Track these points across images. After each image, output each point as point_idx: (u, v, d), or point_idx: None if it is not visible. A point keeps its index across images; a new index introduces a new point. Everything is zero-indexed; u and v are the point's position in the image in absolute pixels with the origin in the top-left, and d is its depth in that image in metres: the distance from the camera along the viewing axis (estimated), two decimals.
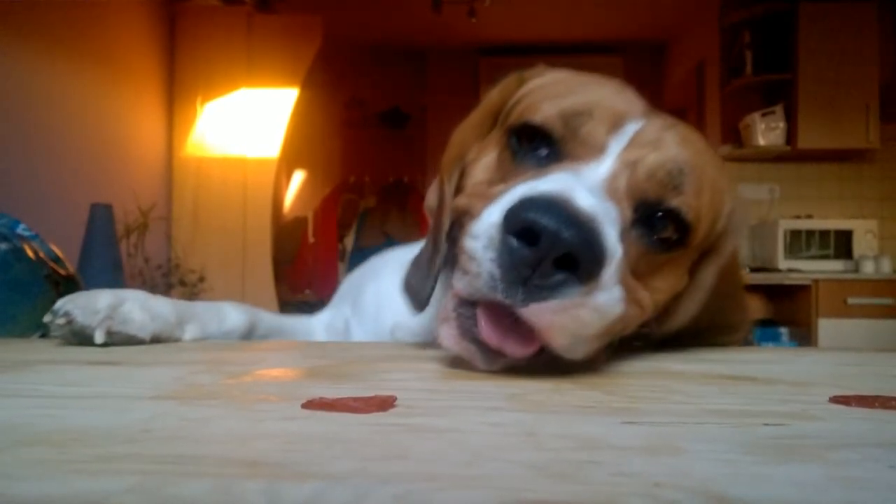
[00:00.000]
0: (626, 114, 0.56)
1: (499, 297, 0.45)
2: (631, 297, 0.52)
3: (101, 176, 3.09)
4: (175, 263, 3.58)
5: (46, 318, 0.62)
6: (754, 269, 3.87)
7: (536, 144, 0.56)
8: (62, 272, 0.97)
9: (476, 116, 0.67)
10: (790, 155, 3.91)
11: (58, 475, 0.24)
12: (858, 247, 3.76)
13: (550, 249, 0.43)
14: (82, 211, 2.52)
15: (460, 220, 0.57)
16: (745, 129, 3.94)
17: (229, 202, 3.70)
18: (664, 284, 0.58)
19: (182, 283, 3.50)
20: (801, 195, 4.09)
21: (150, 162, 3.60)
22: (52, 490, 0.22)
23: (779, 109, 3.85)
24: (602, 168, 0.53)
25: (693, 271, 0.62)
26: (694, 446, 0.29)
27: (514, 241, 0.44)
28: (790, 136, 3.82)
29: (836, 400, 0.41)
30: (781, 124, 3.84)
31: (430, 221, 0.67)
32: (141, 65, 3.51)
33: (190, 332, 0.71)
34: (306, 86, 3.87)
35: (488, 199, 0.52)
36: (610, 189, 0.51)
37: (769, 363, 0.64)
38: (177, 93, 3.79)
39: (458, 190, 0.63)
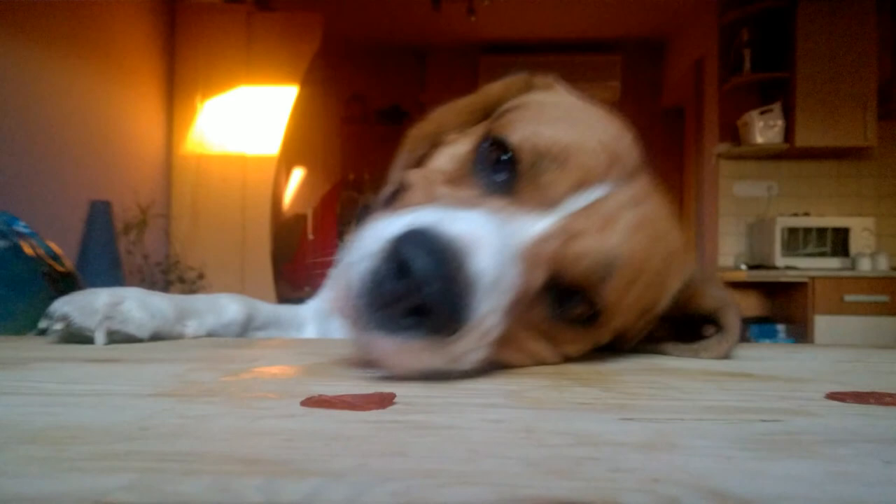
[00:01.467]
0: (596, 175, 0.52)
1: (357, 307, 0.43)
2: (522, 350, 0.52)
3: (100, 173, 3.08)
4: (174, 260, 3.58)
5: (43, 323, 0.62)
6: (752, 267, 3.87)
7: (501, 165, 0.53)
8: (60, 269, 0.97)
9: (466, 103, 0.65)
10: (788, 153, 3.92)
11: (55, 473, 0.24)
12: (855, 244, 3.77)
13: (410, 294, 0.41)
14: (81, 208, 2.52)
15: (401, 195, 0.56)
16: (744, 126, 3.95)
17: (229, 199, 3.70)
18: (573, 348, 0.55)
19: (181, 280, 3.50)
20: (799, 193, 4.09)
21: (149, 159, 3.60)
22: (50, 488, 0.22)
23: (777, 107, 3.86)
24: (537, 226, 0.49)
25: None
26: (691, 442, 0.30)
27: (386, 267, 0.42)
28: (788, 133, 3.83)
29: (832, 396, 0.41)
30: (779, 122, 3.85)
31: None
32: (141, 62, 3.51)
33: (190, 328, 0.71)
34: (306, 83, 3.87)
35: (432, 195, 0.52)
36: (531, 252, 0.48)
37: (766, 360, 0.64)
38: (177, 90, 3.79)
39: (420, 165, 0.61)
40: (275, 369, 0.50)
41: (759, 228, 4.03)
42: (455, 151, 0.58)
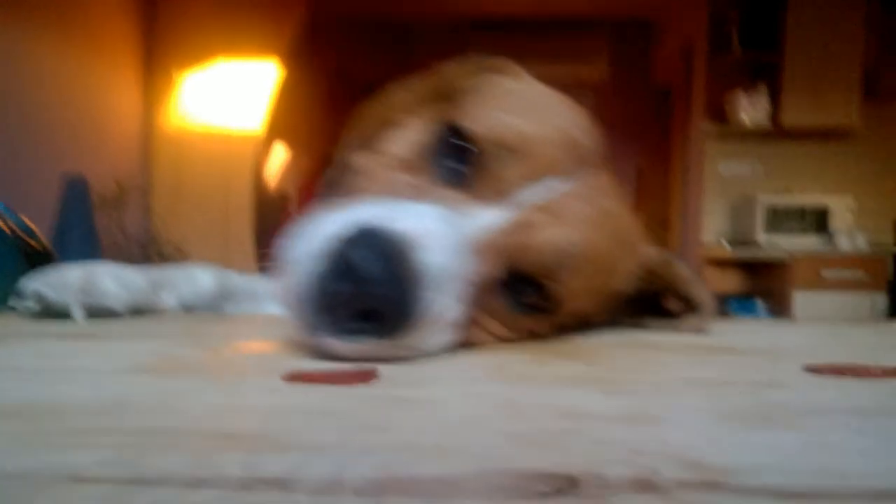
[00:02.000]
0: (552, 167, 0.51)
1: (303, 310, 0.42)
2: (488, 333, 0.51)
3: (76, 147, 3.03)
4: (153, 236, 3.54)
5: (14, 302, 0.61)
6: (734, 244, 3.91)
7: (457, 154, 0.52)
8: (35, 245, 0.95)
9: (420, 85, 0.63)
10: (773, 132, 3.94)
11: (31, 449, 0.23)
12: (835, 222, 3.81)
13: (357, 297, 0.40)
14: (56, 183, 2.48)
15: (350, 179, 0.55)
16: (730, 106, 3.96)
17: (210, 175, 3.66)
18: (533, 327, 0.55)
19: (161, 256, 3.47)
20: (782, 172, 4.12)
21: (126, 133, 3.54)
22: (26, 464, 0.22)
23: (763, 87, 3.87)
24: (492, 218, 0.49)
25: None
26: (672, 415, 0.30)
27: (332, 270, 0.41)
28: (774, 113, 3.85)
29: (810, 369, 0.41)
30: (765, 102, 3.86)
31: None
32: (117, 34, 3.44)
33: (165, 299, 0.70)
34: (289, 58, 3.81)
35: (385, 183, 0.51)
36: (486, 243, 0.48)
37: (746, 334, 0.65)
38: (155, 63, 3.72)
39: (369, 147, 0.59)
40: (255, 345, 0.50)
41: (742, 207, 4.06)
42: (410, 135, 0.56)
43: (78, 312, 0.60)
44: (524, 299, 0.52)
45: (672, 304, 0.66)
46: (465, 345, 0.49)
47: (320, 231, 0.43)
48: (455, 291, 0.44)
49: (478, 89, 0.58)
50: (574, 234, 0.51)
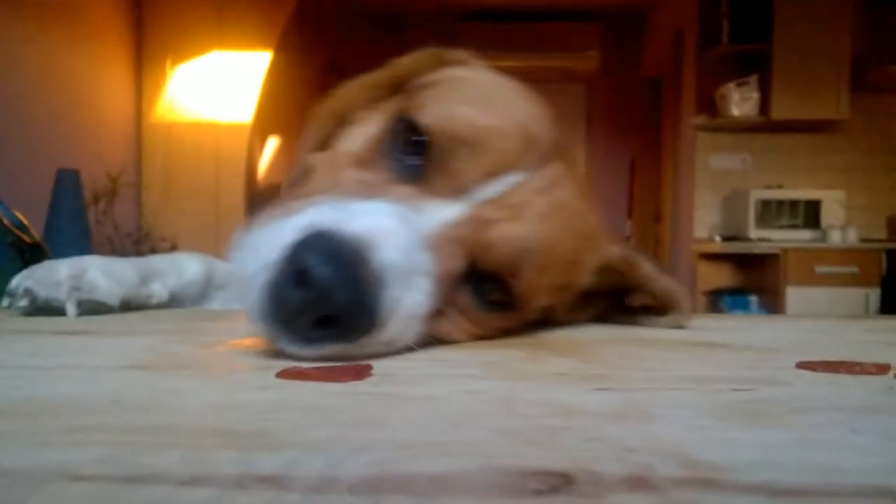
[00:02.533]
0: (510, 161, 0.50)
1: (261, 320, 0.41)
2: (457, 327, 0.51)
3: (67, 141, 3.01)
4: (145, 231, 3.52)
5: (5, 302, 0.60)
6: (726, 239, 3.92)
7: (412, 148, 0.51)
8: (27, 240, 0.95)
9: (375, 78, 0.62)
10: (764, 125, 3.95)
11: (27, 447, 0.23)
12: (826, 217, 3.83)
13: (315, 306, 0.39)
14: (48, 177, 2.46)
15: (306, 180, 0.53)
16: (721, 99, 3.97)
17: (201, 168, 3.64)
18: (500, 329, 0.55)
19: (153, 251, 3.45)
20: (773, 166, 4.14)
21: (118, 126, 3.52)
22: (21, 462, 0.22)
23: (753, 80, 3.88)
24: (449, 212, 0.48)
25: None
26: (665, 412, 0.30)
27: (287, 279, 0.39)
28: (764, 106, 3.86)
29: (803, 365, 0.42)
30: (755, 94, 3.87)
31: None
32: (108, 25, 3.41)
33: (155, 289, 0.70)
34: (280, 49, 3.79)
35: (338, 181, 0.49)
36: (444, 238, 0.47)
37: (738, 330, 0.65)
38: (145, 55, 3.69)
39: (327, 145, 0.58)
40: (249, 341, 0.50)
41: (734, 201, 4.07)
42: (364, 131, 0.55)
43: (71, 310, 0.60)
44: (488, 297, 0.51)
45: (637, 301, 0.65)
46: (435, 340, 0.48)
47: (271, 238, 0.41)
48: (417, 287, 0.44)
49: (435, 82, 0.57)
50: (533, 229, 0.50)
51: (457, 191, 0.49)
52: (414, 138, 0.50)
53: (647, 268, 0.64)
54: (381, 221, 0.43)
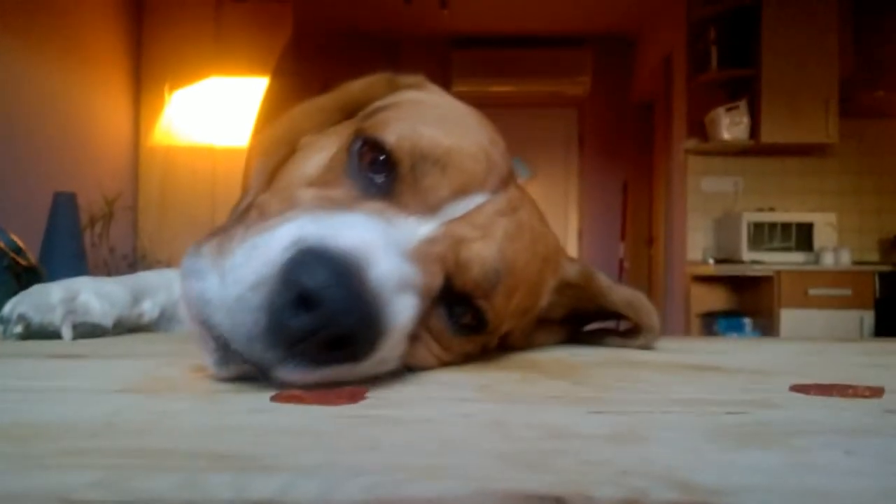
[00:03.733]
0: (476, 181, 0.50)
1: (253, 351, 0.38)
2: (429, 351, 0.50)
3: (64, 164, 3.02)
4: (141, 254, 3.52)
5: None
6: (719, 261, 3.94)
7: (377, 167, 0.49)
8: (24, 263, 0.95)
9: (324, 102, 0.61)
10: (753, 149, 3.99)
11: (21, 470, 0.23)
12: (819, 239, 3.85)
13: (325, 327, 0.37)
14: (45, 200, 2.46)
15: (257, 209, 0.49)
16: (711, 123, 4.01)
17: (198, 192, 3.64)
18: (466, 353, 0.54)
19: None
20: (764, 189, 4.17)
21: (116, 150, 3.53)
22: (14, 485, 0.22)
23: (742, 104, 3.92)
24: (422, 229, 0.47)
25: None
26: (659, 434, 0.30)
27: (284, 300, 0.37)
28: (754, 130, 3.89)
29: (796, 388, 0.42)
30: (745, 119, 3.91)
31: None
32: (107, 51, 3.43)
33: (146, 307, 0.70)
34: (277, 74, 3.82)
35: (296, 203, 0.47)
36: (424, 254, 0.46)
37: (732, 353, 0.65)
38: (144, 80, 3.72)
39: (276, 171, 0.55)
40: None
41: (726, 223, 4.09)
42: (319, 154, 0.53)
43: (67, 333, 0.60)
44: (461, 320, 0.50)
45: (600, 318, 0.67)
46: (411, 366, 0.47)
47: (252, 256, 0.39)
48: (406, 304, 0.42)
49: (392, 104, 0.56)
50: (502, 248, 0.50)
51: (428, 208, 0.48)
52: (378, 157, 0.49)
53: (603, 280, 0.65)
54: (367, 233, 0.41)
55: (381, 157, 0.49)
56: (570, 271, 0.63)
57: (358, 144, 0.50)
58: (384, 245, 0.42)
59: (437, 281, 0.47)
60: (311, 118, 0.59)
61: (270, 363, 0.38)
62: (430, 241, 0.47)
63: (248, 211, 0.51)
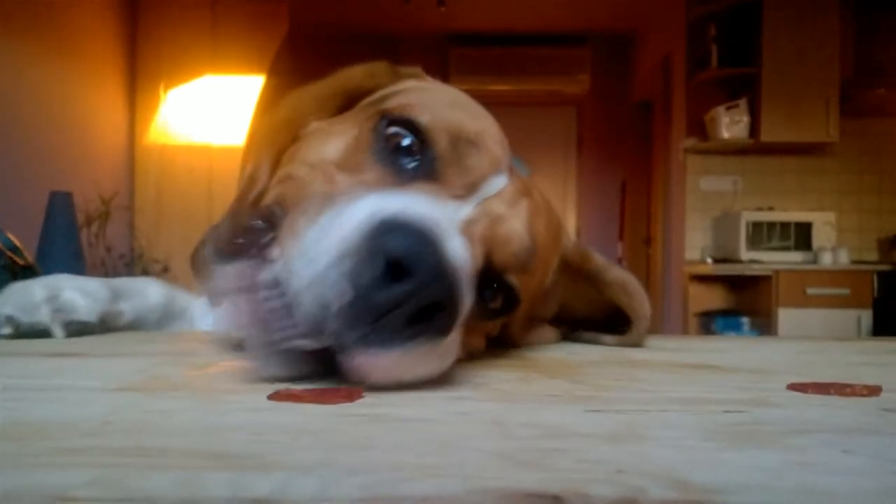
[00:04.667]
0: (501, 162, 0.51)
1: (329, 323, 0.36)
2: (465, 341, 0.48)
3: (60, 163, 3.01)
4: (138, 253, 3.51)
5: None
6: (717, 261, 3.94)
7: (409, 149, 0.49)
8: (20, 262, 0.95)
9: (323, 89, 0.60)
10: (753, 148, 3.99)
11: (16, 469, 0.23)
12: (817, 239, 3.85)
13: (416, 296, 0.36)
14: (41, 199, 2.45)
15: (290, 196, 0.48)
16: (710, 122, 4.01)
17: (194, 191, 3.64)
18: (488, 328, 0.55)
19: (145, 272, 3.44)
20: (763, 188, 4.17)
21: (112, 149, 3.52)
22: (11, 484, 0.22)
23: (742, 103, 3.92)
24: (465, 209, 0.47)
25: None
26: (657, 433, 0.30)
27: (376, 270, 0.35)
28: (753, 129, 3.90)
29: (794, 387, 0.42)
30: (745, 118, 3.91)
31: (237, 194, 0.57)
32: (102, 50, 3.43)
33: (125, 309, 0.70)
34: (273, 73, 3.81)
35: (340, 185, 0.45)
36: (468, 233, 0.45)
37: (730, 352, 0.65)
38: (139, 79, 3.71)
39: (277, 161, 0.55)
40: (241, 363, 0.49)
41: (725, 223, 4.09)
42: (337, 139, 0.51)
43: (59, 332, 0.59)
44: (489, 303, 0.50)
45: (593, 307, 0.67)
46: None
47: (331, 233, 0.37)
48: (470, 284, 0.41)
49: (400, 91, 0.56)
50: (530, 225, 0.51)
51: (469, 188, 0.48)
52: (408, 138, 0.49)
53: (598, 258, 0.67)
54: (435, 215, 0.40)
55: (412, 139, 0.49)
56: (569, 248, 0.65)
57: (385, 127, 0.50)
58: (450, 226, 0.41)
59: (479, 262, 0.47)
60: (310, 105, 0.58)
61: (351, 340, 0.37)
62: (472, 221, 0.47)
63: (260, 199, 0.51)
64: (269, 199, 0.51)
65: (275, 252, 0.40)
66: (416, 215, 0.38)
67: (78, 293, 0.63)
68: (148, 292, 0.75)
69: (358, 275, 0.35)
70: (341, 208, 0.39)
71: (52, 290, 0.61)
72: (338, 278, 0.36)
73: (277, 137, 0.56)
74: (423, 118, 0.49)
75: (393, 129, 0.49)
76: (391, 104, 0.52)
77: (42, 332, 0.59)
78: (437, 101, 0.53)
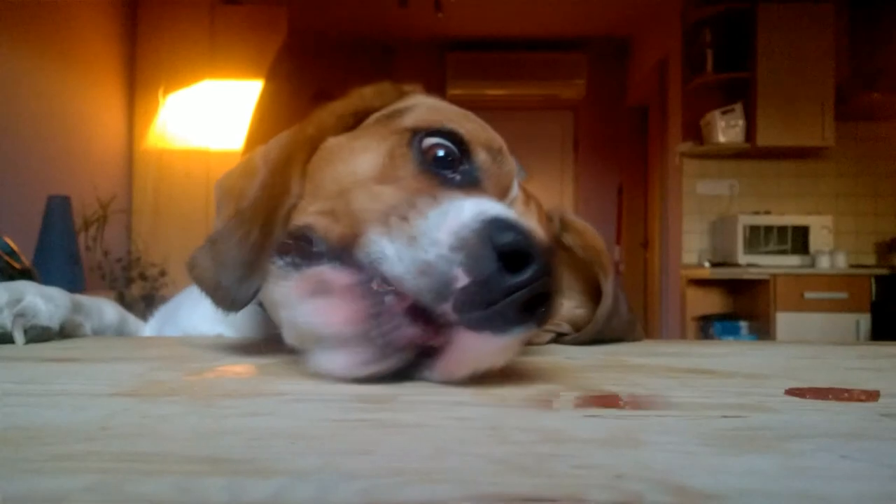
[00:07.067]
0: (514, 169, 0.56)
1: (444, 306, 0.39)
2: None
3: (58, 167, 3.01)
4: (136, 257, 3.51)
5: None
6: (715, 264, 3.94)
7: (445, 160, 0.52)
8: (17, 266, 0.94)
9: (340, 107, 0.62)
10: (749, 152, 4.00)
11: (13, 474, 0.23)
12: (815, 242, 3.86)
13: (530, 287, 0.39)
14: (39, 203, 2.45)
15: (344, 213, 0.48)
16: (706, 126, 4.02)
17: (192, 195, 3.64)
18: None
19: (143, 277, 3.43)
20: (760, 191, 4.18)
21: (110, 153, 3.52)
22: (8, 489, 0.22)
23: (738, 107, 3.93)
24: (511, 213, 0.49)
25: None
26: (654, 438, 0.30)
27: (493, 260, 0.39)
28: (749, 133, 3.91)
29: (792, 392, 0.42)
30: (741, 122, 3.92)
31: (235, 205, 0.57)
32: (101, 54, 3.43)
33: (84, 321, 0.71)
34: (271, 78, 3.82)
35: (389, 198, 0.46)
36: None
37: (727, 356, 0.65)
38: (138, 83, 3.72)
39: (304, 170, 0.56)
40: (238, 368, 0.49)
41: (722, 226, 4.10)
42: (365, 154, 0.53)
43: (19, 337, 0.59)
44: None
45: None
46: None
47: (444, 225, 0.40)
48: None
49: (410, 107, 0.59)
50: (539, 224, 0.57)
51: (501, 194, 0.54)
52: (444, 151, 0.52)
53: (580, 222, 0.75)
54: (519, 217, 0.43)
55: (453, 150, 0.52)
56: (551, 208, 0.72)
57: (423, 140, 0.52)
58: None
59: None
60: (332, 123, 0.61)
61: (468, 322, 0.39)
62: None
63: (289, 214, 0.51)
64: (306, 220, 0.50)
65: (361, 255, 0.42)
66: (514, 216, 0.41)
67: (40, 298, 0.63)
68: (104, 311, 0.78)
69: (475, 264, 0.39)
70: (445, 208, 0.42)
71: (15, 294, 0.61)
72: (454, 267, 0.39)
73: (305, 153, 0.57)
74: (462, 130, 0.53)
75: (433, 141, 0.52)
76: (414, 119, 0.55)
77: (2, 337, 0.60)
78: (453, 115, 0.57)
